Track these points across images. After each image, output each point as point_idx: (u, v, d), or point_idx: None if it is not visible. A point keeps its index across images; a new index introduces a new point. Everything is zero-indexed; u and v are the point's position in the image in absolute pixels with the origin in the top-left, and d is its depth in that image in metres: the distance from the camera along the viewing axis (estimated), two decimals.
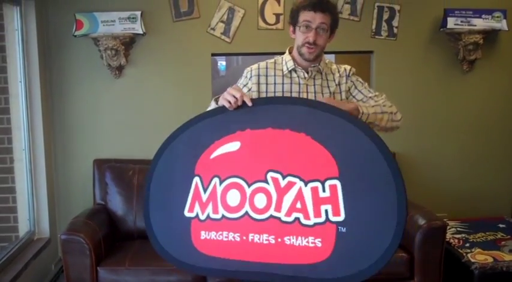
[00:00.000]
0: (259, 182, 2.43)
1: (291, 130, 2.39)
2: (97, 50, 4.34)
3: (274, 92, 2.68)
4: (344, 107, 2.41)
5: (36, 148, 4.22)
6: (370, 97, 2.69)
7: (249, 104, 2.43)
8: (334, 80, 2.69)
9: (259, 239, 2.40)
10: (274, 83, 2.68)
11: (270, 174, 2.40)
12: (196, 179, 2.51)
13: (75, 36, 4.27)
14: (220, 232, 2.45)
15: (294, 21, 2.60)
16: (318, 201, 2.32)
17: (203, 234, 2.48)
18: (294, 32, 2.63)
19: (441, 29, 4.49)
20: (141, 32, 4.29)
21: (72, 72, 4.43)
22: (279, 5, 4.42)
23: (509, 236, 4.13)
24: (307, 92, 2.65)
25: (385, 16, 4.50)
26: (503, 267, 3.69)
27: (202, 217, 2.48)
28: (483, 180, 4.73)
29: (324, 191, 2.31)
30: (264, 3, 4.42)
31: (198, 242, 2.49)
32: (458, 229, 4.30)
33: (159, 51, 4.44)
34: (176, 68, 4.47)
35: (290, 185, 2.37)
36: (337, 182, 2.29)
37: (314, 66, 2.64)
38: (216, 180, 2.47)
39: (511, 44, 4.63)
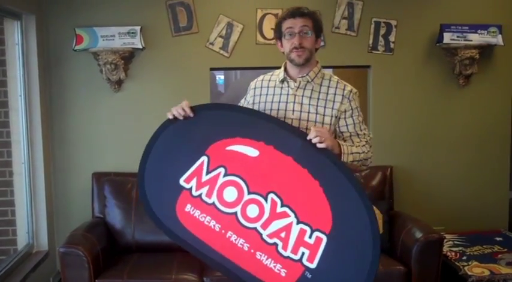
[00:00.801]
0: (259, 195, 2.52)
1: (308, 172, 2.49)
2: (97, 64, 4.37)
3: (265, 102, 2.80)
4: (333, 148, 2.53)
5: (36, 161, 4.24)
6: (353, 135, 2.75)
7: (190, 114, 2.73)
8: (328, 94, 2.73)
9: (235, 240, 2.51)
10: (267, 94, 2.81)
11: (272, 196, 2.50)
12: (204, 158, 2.60)
13: (75, 50, 4.31)
14: (205, 215, 2.56)
15: (278, 33, 2.75)
16: (300, 242, 2.45)
17: (188, 207, 2.58)
18: (281, 45, 2.76)
19: (437, 44, 4.53)
20: (141, 47, 4.33)
21: (72, 86, 4.46)
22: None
23: (506, 249, 4.15)
24: (294, 102, 2.73)
25: (382, 31, 4.55)
26: (499, 280, 3.71)
27: (195, 193, 2.58)
28: (480, 194, 4.75)
29: (310, 237, 2.44)
30: (262, 19, 4.47)
31: (181, 211, 2.59)
32: (456, 242, 4.31)
33: (158, 66, 4.48)
34: (175, 82, 4.51)
35: (284, 215, 2.49)
36: (324, 238, 2.42)
37: (302, 77, 2.73)
38: (221, 170, 2.56)
39: (507, 59, 4.68)
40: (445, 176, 4.71)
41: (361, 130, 2.77)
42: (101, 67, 4.34)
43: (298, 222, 2.47)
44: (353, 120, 2.75)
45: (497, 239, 4.38)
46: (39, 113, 4.22)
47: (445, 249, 4.04)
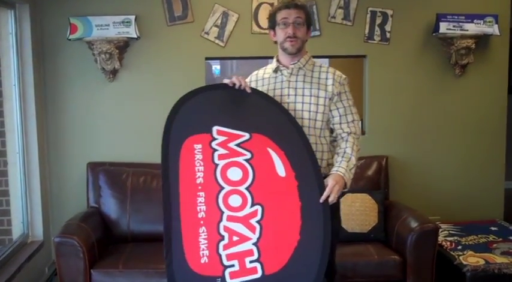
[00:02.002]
0: (251, 199, 2.66)
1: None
2: (91, 54, 4.35)
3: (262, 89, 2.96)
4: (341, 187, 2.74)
5: (30, 151, 4.23)
6: (342, 123, 2.92)
7: (248, 90, 2.79)
8: (320, 78, 2.91)
9: (200, 202, 2.67)
10: (262, 85, 2.98)
11: (257, 207, 2.65)
12: (247, 135, 2.73)
13: (70, 39, 4.29)
14: (202, 165, 2.70)
15: (272, 23, 2.95)
16: (240, 257, 2.60)
17: (198, 147, 2.73)
18: (274, 35, 2.96)
19: (433, 34, 4.52)
20: (135, 36, 4.31)
21: (66, 75, 4.44)
22: None
23: (501, 239, 4.17)
24: (288, 88, 2.91)
25: (378, 21, 4.53)
26: (494, 269, 3.71)
27: (213, 145, 2.72)
28: (475, 184, 4.75)
29: (250, 263, 2.59)
30: (257, 8, 4.45)
31: (190, 143, 2.74)
32: (451, 232, 4.32)
33: (153, 55, 4.46)
34: (170, 71, 4.49)
35: (252, 228, 2.62)
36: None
37: (295, 64, 2.92)
38: (248, 154, 2.70)
39: (503, 49, 4.68)
40: (441, 166, 4.72)
41: (351, 113, 2.94)
42: (96, 56, 4.32)
43: (254, 244, 2.57)
44: (343, 104, 2.93)
45: (492, 228, 4.39)
46: (34, 102, 4.20)
47: (440, 238, 4.05)
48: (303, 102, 2.87)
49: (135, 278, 3.65)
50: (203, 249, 2.59)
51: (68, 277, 3.61)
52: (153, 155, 4.39)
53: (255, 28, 4.48)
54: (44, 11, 4.35)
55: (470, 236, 4.22)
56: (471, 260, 3.80)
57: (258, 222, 2.59)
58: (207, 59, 4.60)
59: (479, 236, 4.23)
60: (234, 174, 2.66)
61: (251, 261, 2.56)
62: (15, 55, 4.09)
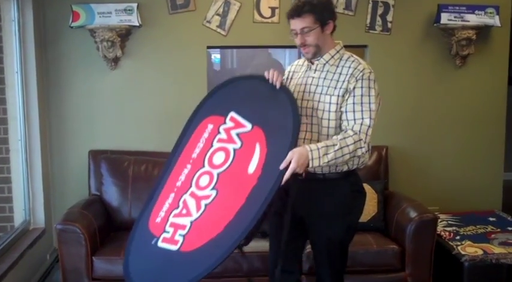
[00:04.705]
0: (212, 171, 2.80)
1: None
2: (93, 42, 4.35)
3: (292, 85, 2.96)
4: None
5: (32, 139, 4.23)
6: (350, 119, 2.73)
7: (277, 86, 2.78)
8: (341, 74, 2.80)
9: (184, 173, 2.89)
10: (292, 78, 3.00)
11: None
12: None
13: (72, 27, 4.28)
14: (202, 144, 2.89)
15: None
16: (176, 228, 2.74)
17: (210, 126, 2.91)
18: None
19: (435, 24, 4.53)
20: (137, 24, 4.30)
21: (69, 63, 4.44)
22: None
23: (499, 229, 4.19)
24: (311, 84, 2.86)
25: (380, 11, 4.53)
26: (492, 260, 3.75)
27: (220, 128, 2.87)
28: (474, 174, 4.78)
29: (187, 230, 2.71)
30: None
31: (206, 123, 2.93)
32: (449, 222, 4.35)
33: (155, 43, 4.46)
34: (172, 60, 4.49)
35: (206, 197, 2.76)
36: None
37: (318, 60, 2.85)
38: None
39: (503, 40, 4.69)
40: (440, 156, 4.74)
41: (361, 111, 2.72)
42: (98, 44, 4.32)
43: (191, 221, 2.70)
44: (353, 100, 2.73)
45: (491, 219, 4.42)
46: (36, 89, 4.20)
47: (439, 229, 4.08)
48: (319, 101, 2.79)
49: None
50: (162, 211, 2.81)
51: (69, 264, 3.64)
52: (154, 143, 4.45)
53: (257, 17, 4.47)
54: None
55: (468, 227, 4.25)
56: (469, 250, 3.83)
57: (206, 205, 2.71)
58: (208, 47, 4.61)
59: (477, 226, 4.26)
60: (218, 158, 2.78)
61: (179, 235, 2.68)
62: (18, 42, 4.08)
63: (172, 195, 2.83)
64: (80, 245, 3.60)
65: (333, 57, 2.85)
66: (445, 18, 4.46)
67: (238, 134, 2.78)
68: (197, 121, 2.94)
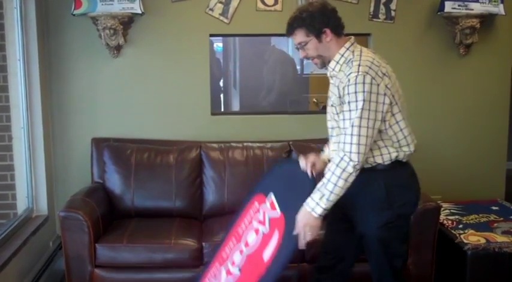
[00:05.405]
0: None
1: None
2: (95, 29, 4.33)
3: None
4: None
5: (35, 126, 4.23)
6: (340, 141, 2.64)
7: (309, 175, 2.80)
8: (339, 81, 2.69)
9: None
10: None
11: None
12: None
13: (74, 15, 4.26)
14: (246, 224, 3.04)
15: None
16: None
17: (256, 204, 3.04)
18: None
19: (438, 13, 4.50)
20: (140, 12, 4.28)
21: (71, 51, 4.43)
22: None
23: (502, 218, 4.19)
24: (330, 91, 2.82)
25: None
26: (495, 248, 3.75)
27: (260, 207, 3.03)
28: (477, 163, 4.77)
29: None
30: None
31: (254, 202, 3.08)
32: (452, 211, 4.35)
33: (157, 31, 4.45)
34: (174, 48, 4.48)
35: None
36: None
37: (327, 69, 2.81)
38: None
39: (508, 29, 4.66)
40: (443, 145, 4.73)
41: (348, 119, 2.59)
42: (100, 32, 4.30)
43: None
44: (342, 108, 2.63)
45: (494, 208, 4.42)
46: (38, 77, 4.19)
47: (442, 217, 4.08)
48: (330, 112, 2.80)
49: (139, 252, 3.68)
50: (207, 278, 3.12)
51: (72, 251, 3.64)
52: (157, 131, 4.46)
53: (260, 5, 4.45)
54: None
55: (471, 215, 4.25)
56: (472, 238, 3.83)
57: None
58: (211, 35, 4.59)
59: (480, 215, 4.26)
60: (251, 237, 2.91)
61: None
62: (20, 30, 4.06)
63: (217, 264, 3.08)
64: (83, 232, 3.60)
65: (338, 62, 2.74)
66: (448, 6, 4.43)
67: (270, 218, 2.87)
68: (251, 195, 3.08)
